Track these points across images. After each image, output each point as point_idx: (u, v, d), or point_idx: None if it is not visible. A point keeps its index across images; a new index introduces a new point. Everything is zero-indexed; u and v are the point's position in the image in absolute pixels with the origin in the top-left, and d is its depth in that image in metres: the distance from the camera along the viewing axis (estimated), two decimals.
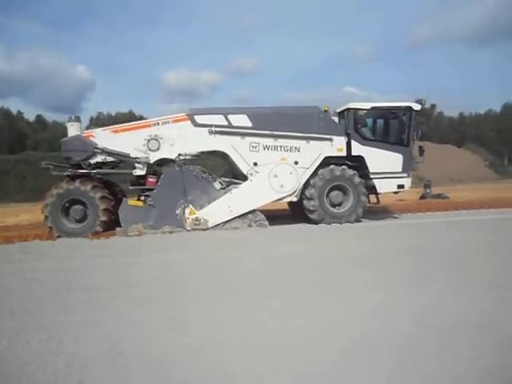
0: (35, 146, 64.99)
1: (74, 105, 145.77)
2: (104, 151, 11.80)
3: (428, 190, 22.16)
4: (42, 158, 47.86)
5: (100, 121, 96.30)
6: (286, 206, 15.22)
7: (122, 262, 8.24)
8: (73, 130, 12.10)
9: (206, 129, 12.04)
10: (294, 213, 14.47)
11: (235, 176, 13.24)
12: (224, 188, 12.27)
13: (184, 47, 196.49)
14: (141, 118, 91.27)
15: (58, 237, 11.64)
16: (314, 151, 12.36)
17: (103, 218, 11.81)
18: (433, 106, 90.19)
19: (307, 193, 12.36)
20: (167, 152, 11.97)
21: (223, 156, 13.60)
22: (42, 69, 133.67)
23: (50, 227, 11.73)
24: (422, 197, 21.32)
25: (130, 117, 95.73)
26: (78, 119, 12.32)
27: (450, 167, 58.08)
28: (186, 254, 8.82)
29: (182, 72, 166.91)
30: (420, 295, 5.27)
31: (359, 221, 12.68)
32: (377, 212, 14.44)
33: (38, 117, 78.49)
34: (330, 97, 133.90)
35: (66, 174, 12.02)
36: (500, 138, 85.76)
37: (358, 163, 12.72)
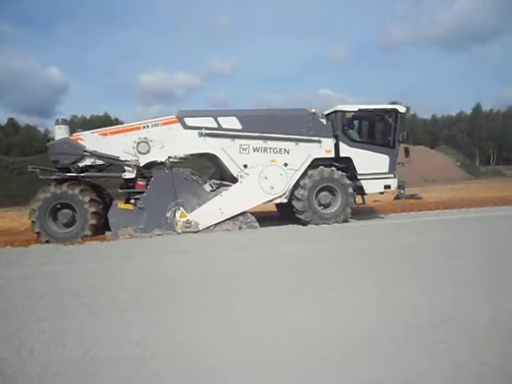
0: (7, 151, 63.59)
1: (48, 108, 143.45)
2: (93, 154, 11.65)
3: (402, 191, 22.40)
4: (13, 162, 47.01)
5: (74, 124, 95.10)
6: (273, 208, 15.31)
7: (100, 266, 8.15)
8: (60, 132, 11.94)
9: (196, 131, 12.03)
10: (282, 214, 14.61)
11: (222, 178, 13.28)
12: (214, 190, 12.29)
13: (159, 49, 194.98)
14: (116, 120, 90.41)
15: (46, 241, 11.44)
16: (303, 153, 12.50)
17: (92, 222, 11.66)
18: (407, 109, 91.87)
19: (297, 194, 12.48)
20: (157, 154, 11.91)
21: (210, 158, 13.63)
22: (12, 70, 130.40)
23: (38, 232, 11.52)
24: (396, 197, 21.62)
25: (105, 119, 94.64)
26: (65, 122, 12.19)
27: (423, 168, 59.25)
28: (170, 257, 8.86)
29: (158, 74, 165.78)
30: (391, 293, 5.41)
31: (347, 221, 12.88)
32: (357, 213, 14.63)
33: (10, 120, 76.60)
34: (305, 99, 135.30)
35: (53, 177, 11.81)
36: (471, 139, 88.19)
37: (346, 164, 12.94)
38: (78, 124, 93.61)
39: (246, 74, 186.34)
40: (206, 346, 4.09)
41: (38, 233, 11.55)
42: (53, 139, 12.34)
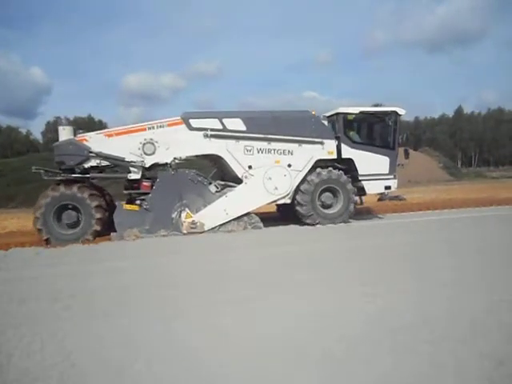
0: None
1: (30, 109, 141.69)
2: (99, 155, 11.64)
3: (386, 193, 22.56)
4: None
5: (57, 126, 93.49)
6: (269, 208, 15.42)
7: (82, 270, 8.12)
8: (65, 134, 11.89)
9: (201, 132, 12.12)
10: (283, 214, 14.76)
11: (223, 179, 13.36)
12: (219, 191, 12.37)
13: (144, 50, 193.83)
14: (100, 122, 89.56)
15: (48, 243, 11.39)
16: (306, 154, 12.68)
17: (98, 216, 11.63)
18: None
19: (299, 195, 12.65)
20: (163, 156, 11.96)
21: (212, 159, 13.72)
22: None
23: (47, 239, 11.44)
24: (380, 199, 21.82)
25: (89, 121, 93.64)
26: (69, 123, 12.10)
27: (407, 170, 60.21)
28: (166, 258, 8.97)
29: (143, 75, 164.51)
30: (370, 295, 5.46)
31: (348, 221, 13.09)
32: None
33: None
34: (290, 101, 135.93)
35: (58, 178, 11.76)
36: (453, 141, 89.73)
37: (347, 166, 13.16)
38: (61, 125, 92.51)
39: (232, 75, 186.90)
40: (190, 348, 4.07)
41: (46, 239, 11.48)
42: (56, 141, 12.23)
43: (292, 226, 12.90)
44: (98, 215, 11.65)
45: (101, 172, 12.63)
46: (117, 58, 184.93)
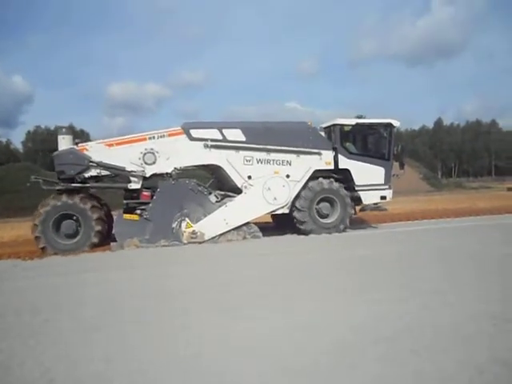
0: None
1: (11, 118, 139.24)
2: (99, 165, 11.63)
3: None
4: None
5: (38, 135, 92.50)
6: (267, 218, 15.54)
7: (62, 281, 8.01)
8: (64, 142, 11.88)
9: (202, 143, 12.22)
10: (278, 224, 14.88)
11: (220, 189, 13.44)
12: (219, 201, 12.45)
13: (128, 59, 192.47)
14: (82, 132, 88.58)
15: (44, 251, 11.32)
16: (304, 165, 12.87)
17: (97, 229, 11.63)
18: None
19: (298, 204, 12.80)
20: (163, 165, 12.01)
21: (211, 169, 13.82)
22: None
23: (43, 247, 11.36)
24: (362, 209, 21.92)
25: (70, 131, 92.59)
26: (69, 132, 12.09)
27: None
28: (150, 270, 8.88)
29: (127, 84, 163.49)
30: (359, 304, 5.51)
31: (345, 231, 13.29)
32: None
33: None
34: (272, 111, 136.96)
35: (57, 188, 11.70)
36: (432, 152, 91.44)
37: (344, 176, 13.38)
38: (41, 135, 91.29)
39: (217, 85, 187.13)
40: (174, 362, 3.99)
41: (42, 248, 11.38)
42: (55, 150, 12.17)
43: (288, 236, 13.04)
44: (98, 227, 11.64)
45: (98, 182, 12.62)
46: (100, 67, 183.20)
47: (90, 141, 12.32)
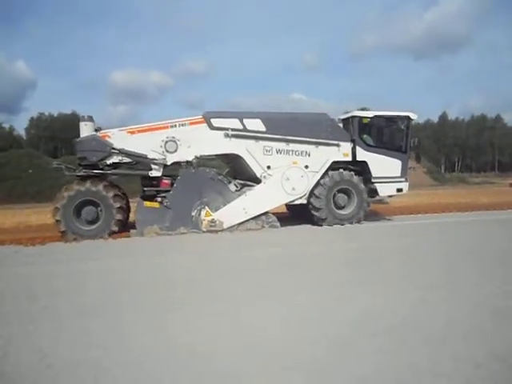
0: None
1: (14, 103, 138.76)
2: (121, 152, 11.71)
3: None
4: None
5: (41, 122, 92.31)
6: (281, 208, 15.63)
7: (63, 269, 7.95)
8: (86, 129, 11.91)
9: (222, 132, 12.29)
10: (293, 214, 14.99)
11: (236, 178, 13.51)
12: (239, 190, 12.55)
13: (132, 47, 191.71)
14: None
15: (74, 240, 11.42)
16: (322, 156, 12.96)
17: (118, 218, 11.76)
18: None
19: (316, 192, 12.91)
20: (184, 154, 12.08)
21: (228, 158, 13.90)
22: None
23: (63, 231, 11.46)
24: None
25: (73, 118, 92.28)
26: (90, 119, 12.12)
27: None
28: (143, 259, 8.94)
29: (130, 72, 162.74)
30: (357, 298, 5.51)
31: (359, 223, 13.39)
32: None
33: None
34: (278, 102, 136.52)
35: (79, 174, 11.79)
36: (436, 146, 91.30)
37: (361, 168, 13.47)
38: (44, 122, 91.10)
39: (220, 75, 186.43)
40: (170, 350, 4.03)
41: (63, 232, 11.49)
42: (78, 136, 12.21)
43: (300, 227, 13.16)
44: (119, 216, 11.78)
45: (115, 169, 12.67)
46: (104, 55, 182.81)
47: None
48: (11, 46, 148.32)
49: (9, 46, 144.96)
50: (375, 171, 13.45)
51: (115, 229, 11.73)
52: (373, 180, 13.50)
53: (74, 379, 3.55)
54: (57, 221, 11.48)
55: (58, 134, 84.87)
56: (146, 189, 12.25)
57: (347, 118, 13.86)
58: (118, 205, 11.71)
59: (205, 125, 12.24)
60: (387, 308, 5.02)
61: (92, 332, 4.54)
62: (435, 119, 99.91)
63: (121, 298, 5.85)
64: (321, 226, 12.98)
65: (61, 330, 4.62)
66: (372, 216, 15.52)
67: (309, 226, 13.23)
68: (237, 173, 13.96)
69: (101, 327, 4.69)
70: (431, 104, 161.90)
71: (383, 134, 14.25)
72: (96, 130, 12.18)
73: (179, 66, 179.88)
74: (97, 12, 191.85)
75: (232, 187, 12.49)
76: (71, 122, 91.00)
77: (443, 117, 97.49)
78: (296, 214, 14.42)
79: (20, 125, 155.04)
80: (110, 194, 11.63)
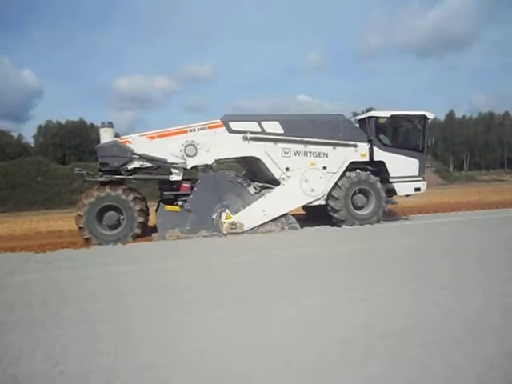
0: None
1: (21, 112, 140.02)
2: (142, 157, 11.84)
3: None
4: None
5: (49, 129, 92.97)
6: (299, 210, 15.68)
7: (73, 275, 7.98)
8: (106, 135, 12.04)
9: (241, 135, 12.38)
10: (310, 216, 15.02)
11: (253, 180, 13.56)
12: (258, 192, 12.62)
13: (136, 53, 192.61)
14: (92, 126, 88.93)
15: (88, 242, 11.56)
16: (340, 157, 13.01)
17: (140, 220, 11.89)
18: None
19: (334, 194, 12.96)
20: (203, 157, 12.20)
21: (245, 161, 13.99)
22: None
23: (87, 238, 11.59)
24: None
25: (81, 125, 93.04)
26: (110, 125, 12.25)
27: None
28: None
29: (135, 78, 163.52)
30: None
31: (378, 222, 13.41)
32: None
33: None
34: (284, 105, 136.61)
35: (99, 180, 11.92)
36: (444, 144, 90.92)
37: (378, 168, 13.51)
38: (52, 129, 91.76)
39: (224, 79, 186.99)
40: (181, 356, 4.04)
41: (86, 239, 11.63)
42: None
43: (318, 228, 13.11)
44: (141, 219, 11.90)
45: (131, 174, 12.75)
46: (108, 61, 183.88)
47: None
48: (17, 55, 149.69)
49: (15, 55, 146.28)
50: (393, 171, 13.47)
51: (138, 231, 11.87)
52: (390, 180, 13.52)
53: None
54: (80, 228, 11.63)
55: (65, 141, 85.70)
56: (166, 193, 12.36)
57: (364, 119, 13.90)
58: (138, 207, 11.83)
59: (223, 128, 12.34)
60: (399, 308, 5.04)
61: (102, 338, 4.57)
62: (442, 118, 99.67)
63: (131, 304, 5.87)
64: (339, 226, 13.00)
65: (72, 337, 4.65)
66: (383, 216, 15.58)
67: (327, 226, 13.24)
68: (253, 175, 14.03)
69: (111, 333, 4.72)
70: (437, 103, 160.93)
71: (400, 133, 14.29)
72: (115, 136, 12.33)
73: (183, 70, 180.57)
74: (100, 18, 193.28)
75: (251, 189, 12.56)
76: (79, 129, 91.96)
77: (450, 115, 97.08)
78: (313, 216, 14.46)
79: (27, 133, 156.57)
80: (130, 198, 11.75)
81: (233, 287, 6.54)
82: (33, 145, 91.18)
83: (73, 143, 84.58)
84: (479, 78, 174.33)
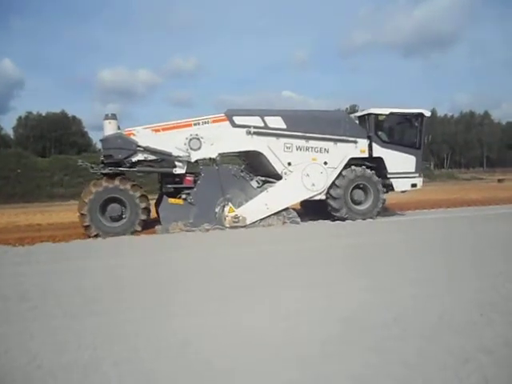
0: None
1: (1, 103, 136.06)
2: (146, 150, 11.86)
3: None
4: None
5: (29, 121, 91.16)
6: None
7: (56, 268, 7.95)
8: (110, 127, 12.02)
9: (244, 129, 12.50)
10: (307, 211, 15.24)
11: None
12: (260, 186, 12.78)
13: (119, 45, 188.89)
14: (74, 118, 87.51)
15: (95, 236, 11.51)
16: (341, 152, 13.25)
17: (142, 218, 11.89)
18: None
19: (333, 192, 13.22)
20: (207, 151, 12.29)
21: (246, 155, 14.11)
22: None
23: (88, 226, 11.55)
24: None
25: (62, 117, 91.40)
26: (114, 117, 12.23)
27: None
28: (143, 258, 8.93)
29: (118, 70, 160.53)
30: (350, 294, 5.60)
31: (375, 217, 13.71)
32: None
33: None
34: (268, 100, 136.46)
35: (104, 172, 11.89)
36: (426, 142, 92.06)
37: (377, 164, 13.79)
38: (33, 121, 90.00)
39: (209, 73, 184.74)
40: (161, 350, 4.01)
41: (86, 226, 11.58)
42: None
43: (325, 222, 13.38)
44: (143, 217, 11.91)
45: (131, 167, 12.72)
46: (92, 53, 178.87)
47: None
48: None
49: None
50: (391, 167, 13.78)
51: (139, 229, 11.86)
52: (388, 175, 13.83)
53: (64, 379, 3.53)
54: (82, 215, 11.53)
55: (46, 134, 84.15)
56: (169, 186, 12.41)
57: (363, 116, 14.17)
58: (143, 205, 11.85)
59: (227, 122, 12.45)
60: (380, 303, 5.12)
61: (82, 332, 4.50)
62: None
63: (113, 297, 5.82)
64: (343, 220, 13.21)
65: (50, 330, 4.59)
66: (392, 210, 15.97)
67: (326, 221, 13.48)
68: (254, 170, 14.16)
69: (91, 327, 4.66)
70: (421, 101, 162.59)
71: (398, 130, 14.62)
72: (119, 128, 12.31)
73: (168, 64, 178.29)
74: (84, 10, 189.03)
75: (254, 183, 12.72)
76: (60, 121, 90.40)
77: (432, 114, 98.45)
78: (309, 210, 14.67)
79: (8, 124, 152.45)
80: (137, 194, 11.76)
81: (221, 281, 6.50)
82: (12, 136, 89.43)
83: (53, 135, 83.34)
84: (462, 77, 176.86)
